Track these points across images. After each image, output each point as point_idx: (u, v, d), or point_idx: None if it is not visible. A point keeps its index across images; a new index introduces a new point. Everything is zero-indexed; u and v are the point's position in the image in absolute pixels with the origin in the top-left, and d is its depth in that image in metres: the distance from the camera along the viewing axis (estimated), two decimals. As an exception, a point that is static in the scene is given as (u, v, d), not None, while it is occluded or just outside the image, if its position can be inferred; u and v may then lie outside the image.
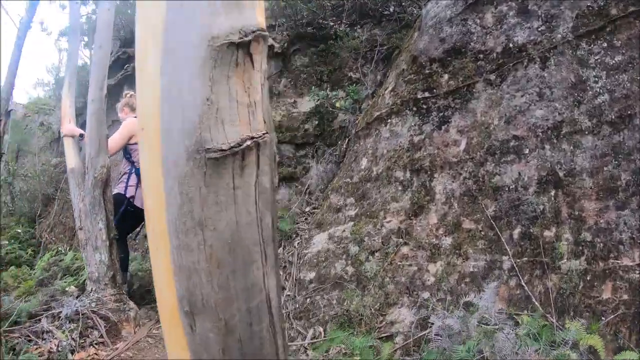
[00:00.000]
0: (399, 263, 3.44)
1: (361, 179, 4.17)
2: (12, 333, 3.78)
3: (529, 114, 3.38)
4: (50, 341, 3.82)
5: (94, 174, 4.15)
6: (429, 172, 3.70)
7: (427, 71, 4.08)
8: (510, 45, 3.68)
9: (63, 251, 7.67)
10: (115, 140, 4.40)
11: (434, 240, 3.40)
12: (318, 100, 5.66)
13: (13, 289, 6.21)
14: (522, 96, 3.47)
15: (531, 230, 3.05)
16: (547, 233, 3.00)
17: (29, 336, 3.75)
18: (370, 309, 3.29)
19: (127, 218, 4.52)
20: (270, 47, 6.35)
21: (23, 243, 9.15)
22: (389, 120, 4.23)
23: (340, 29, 5.95)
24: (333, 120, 5.75)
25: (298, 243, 4.28)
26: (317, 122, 5.83)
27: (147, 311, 4.73)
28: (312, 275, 3.86)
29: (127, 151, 4.55)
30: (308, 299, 3.70)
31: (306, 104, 6.04)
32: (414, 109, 4.05)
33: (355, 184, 4.18)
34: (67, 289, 4.65)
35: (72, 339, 3.83)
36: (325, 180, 5.04)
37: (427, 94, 4.01)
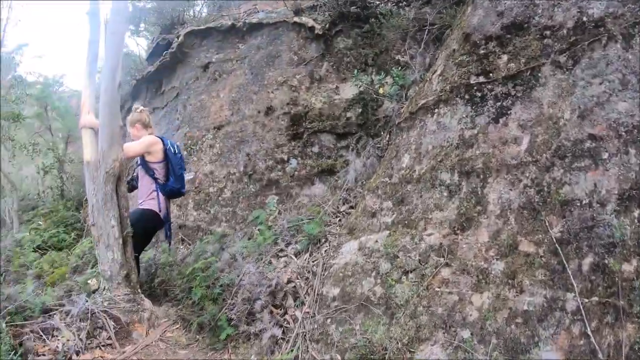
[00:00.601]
0: (437, 289, 2.89)
1: (401, 179, 3.64)
2: (23, 328, 3.70)
3: (609, 107, 2.71)
4: (58, 339, 3.71)
5: (105, 168, 3.95)
6: (481, 176, 3.09)
7: (482, 51, 3.43)
8: (585, 19, 3.01)
9: None
10: (134, 147, 4.26)
11: (483, 263, 2.81)
12: (361, 86, 5.13)
13: (48, 274, 6.35)
14: (600, 84, 2.80)
15: (606, 262, 2.40)
16: (626, 267, 2.35)
17: (39, 333, 3.66)
18: (397, 343, 2.78)
19: (153, 232, 4.62)
20: (311, 28, 5.87)
21: (68, 227, 9.49)
22: (436, 110, 3.63)
23: (386, 7, 5.34)
24: (377, 109, 5.20)
25: (326, 250, 3.87)
26: (360, 110, 5.30)
27: (167, 309, 4.52)
28: (335, 291, 3.40)
29: (150, 169, 4.40)
30: (328, 320, 3.25)
31: (349, 90, 5.53)
32: (466, 96, 3.42)
33: (394, 185, 3.66)
34: (89, 281, 4.54)
35: (80, 339, 3.71)
36: (365, 176, 4.57)
37: (481, 79, 3.37)
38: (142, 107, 4.64)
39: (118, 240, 4.05)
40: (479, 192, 3.05)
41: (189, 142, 6.32)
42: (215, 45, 6.79)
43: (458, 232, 3.03)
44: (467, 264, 2.86)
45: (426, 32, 5.05)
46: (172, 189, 4.40)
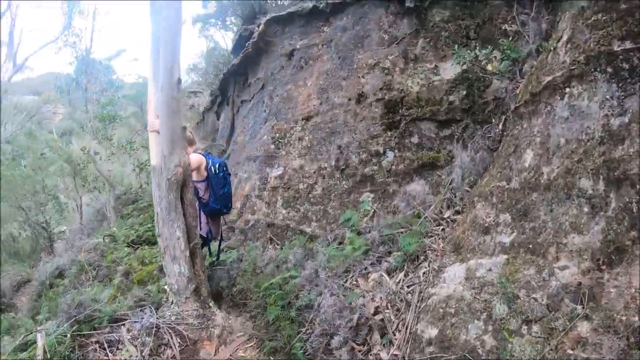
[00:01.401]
0: (569, 351, 2.28)
1: (523, 184, 3.03)
2: (89, 338, 3.73)
3: None
4: (122, 354, 3.66)
5: (167, 175, 3.85)
6: (638, 186, 2.39)
7: (625, 5, 2.73)
8: None
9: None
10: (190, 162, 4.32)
11: (637, 319, 2.14)
12: (464, 63, 4.56)
13: (136, 271, 6.62)
14: None
15: None
16: None
17: (104, 345, 3.67)
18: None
19: None
20: (400, 1, 5.36)
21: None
22: (568, 90, 3.02)
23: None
24: (485, 89, 4.60)
25: (424, 273, 3.32)
26: (464, 92, 4.74)
27: (245, 321, 4.37)
28: (433, 332, 2.91)
29: (195, 188, 4.42)
30: (422, 368, 2.80)
31: (450, 70, 4.97)
32: (608, 69, 2.76)
33: (514, 192, 3.07)
34: (165, 286, 4.53)
35: (142, 355, 3.65)
36: (474, 172, 3.98)
37: (629, 44, 2.68)
38: (185, 125, 4.67)
39: (185, 253, 3.95)
40: (635, 210, 2.33)
41: (277, 135, 6.18)
42: (298, 31, 6.55)
43: (604, 268, 2.35)
44: (615, 319, 2.20)
45: (537, -8, 4.35)
46: (213, 208, 4.49)
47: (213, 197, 4.49)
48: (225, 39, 11.78)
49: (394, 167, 4.95)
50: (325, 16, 6.22)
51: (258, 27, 7.02)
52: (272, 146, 6.20)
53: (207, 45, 13.22)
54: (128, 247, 8.76)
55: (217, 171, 4.51)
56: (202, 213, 4.49)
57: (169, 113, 3.85)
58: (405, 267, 3.49)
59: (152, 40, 4.04)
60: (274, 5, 7.91)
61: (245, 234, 6.24)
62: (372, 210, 4.77)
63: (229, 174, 4.75)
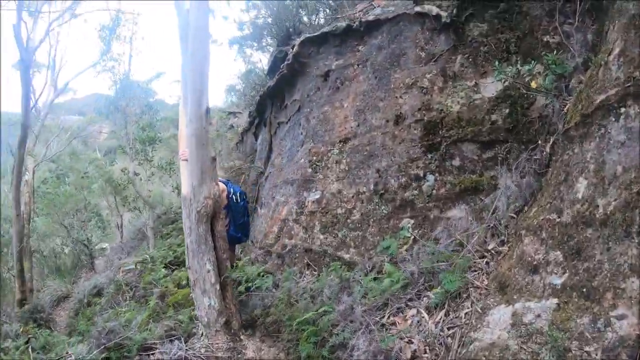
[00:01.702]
0: None
1: (576, 218, 2.79)
2: None
3: None
4: None
5: (197, 206, 3.84)
6: None
7: None
8: None
9: (235, 252, 8.07)
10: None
11: None
12: (506, 80, 4.37)
13: (172, 294, 6.66)
14: None
15: None
16: None
17: None
18: None
19: None
20: (436, 17, 5.22)
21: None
22: (623, 110, 2.80)
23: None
24: (529, 107, 4.39)
25: (467, 313, 3.10)
26: (507, 111, 4.54)
27: (278, 352, 4.27)
28: None
29: None
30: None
31: (491, 87, 4.78)
32: (670, 90, 2.54)
33: (566, 227, 2.83)
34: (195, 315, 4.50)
35: None
36: (520, 199, 3.75)
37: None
38: (213, 154, 4.84)
39: (215, 286, 3.93)
40: None
41: (314, 158, 6.13)
42: (333, 51, 6.51)
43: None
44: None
45: (578, 1, 4.11)
46: (232, 237, 4.57)
47: (233, 226, 4.61)
48: (262, 60, 11.96)
49: (434, 191, 4.78)
50: (360, 35, 6.15)
51: (292, 48, 7.04)
52: (310, 170, 6.15)
53: (244, 66, 13.50)
54: (165, 268, 8.92)
55: (238, 200, 4.65)
56: None
57: (198, 144, 3.88)
58: (447, 306, 3.29)
59: (182, 72, 4.08)
60: (308, 25, 7.94)
61: (282, 259, 6.19)
62: (412, 238, 4.61)
63: (248, 202, 4.79)
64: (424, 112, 5.14)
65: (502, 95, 4.62)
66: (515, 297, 2.85)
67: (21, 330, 7.91)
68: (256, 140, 10.29)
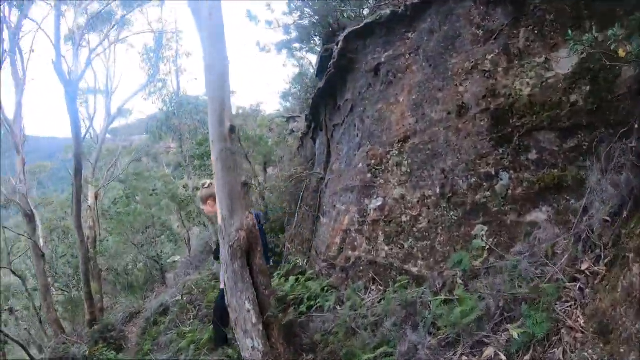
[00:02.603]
0: None
1: None
2: None
3: None
4: None
5: (229, 241, 3.63)
6: None
7: None
8: None
9: (300, 264, 7.96)
10: None
11: None
12: (582, 51, 3.77)
13: None
14: None
15: None
16: None
17: None
18: None
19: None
20: (494, -11, 4.70)
21: (269, 252, 9.96)
22: None
23: None
24: (615, 81, 3.77)
25: None
26: (588, 89, 3.94)
27: None
28: None
29: None
30: None
31: (565, 62, 4.17)
32: None
33: None
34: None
35: None
36: (616, 199, 3.09)
37: None
38: (209, 182, 4.64)
39: (257, 326, 3.66)
40: None
41: (372, 161, 5.81)
42: (380, 42, 6.14)
43: None
44: None
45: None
46: None
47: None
48: (313, 62, 11.82)
49: (510, 192, 4.28)
50: (408, 21, 5.73)
51: (337, 45, 6.75)
52: (369, 175, 5.84)
53: (295, 70, 13.51)
54: None
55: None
56: None
57: (225, 168, 3.68)
58: (532, 350, 2.75)
59: (206, 91, 3.92)
60: (352, 19, 7.61)
61: (346, 273, 5.95)
62: (487, 248, 4.16)
63: (262, 225, 4.68)
64: (489, 99, 4.65)
65: (580, 70, 4.02)
66: (622, 349, 2.27)
67: (88, 351, 8.32)
68: (315, 144, 10.12)
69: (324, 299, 5.62)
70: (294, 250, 9.27)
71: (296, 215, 9.45)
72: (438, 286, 4.17)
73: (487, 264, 3.95)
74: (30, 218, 11.36)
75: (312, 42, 10.29)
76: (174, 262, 18.15)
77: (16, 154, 11.49)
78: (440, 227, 4.80)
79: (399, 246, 5.18)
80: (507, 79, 4.61)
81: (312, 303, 5.71)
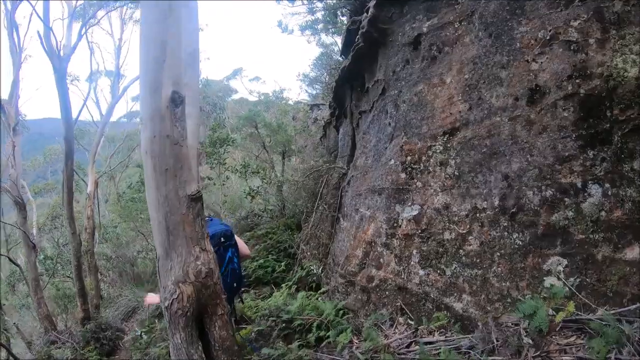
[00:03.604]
0: None
1: None
2: None
3: None
4: None
5: (164, 300, 2.49)
6: None
7: None
8: None
9: (314, 271, 7.10)
10: None
11: None
12: None
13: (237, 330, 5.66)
14: None
15: None
16: None
17: None
18: None
19: None
20: None
21: (281, 253, 9.17)
22: None
23: None
24: None
25: None
26: None
27: None
28: None
29: None
30: None
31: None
32: None
33: None
34: None
35: None
36: None
37: None
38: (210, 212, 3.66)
39: None
40: None
41: (408, 158, 4.67)
42: (421, 8, 4.94)
43: None
44: None
45: None
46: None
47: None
48: (338, 43, 10.83)
49: (603, 213, 3.09)
50: (461, -22, 4.54)
51: (367, 12, 5.58)
52: (403, 174, 4.71)
53: (319, 51, 12.56)
54: None
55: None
56: None
57: (158, 169, 2.53)
58: None
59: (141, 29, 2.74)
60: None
61: (367, 295, 4.88)
62: (564, 290, 3.00)
63: (233, 246, 3.85)
64: (577, 80, 3.44)
65: None
66: None
67: (70, 356, 7.49)
68: (338, 133, 9.01)
69: (337, 330, 4.57)
70: (308, 253, 8.31)
71: (313, 214, 8.41)
72: (495, 341, 3.02)
73: (570, 317, 2.79)
74: (21, 206, 10.65)
75: (338, 22, 9.25)
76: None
77: (8, 136, 10.71)
78: (498, 253, 3.64)
79: (439, 272, 4.05)
80: (602, 54, 3.40)
81: (323, 333, 4.66)
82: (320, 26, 10.97)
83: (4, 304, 12.01)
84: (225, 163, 11.53)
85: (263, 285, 8.16)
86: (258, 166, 11.64)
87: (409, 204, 4.54)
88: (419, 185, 4.47)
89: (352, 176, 6.35)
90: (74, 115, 10.16)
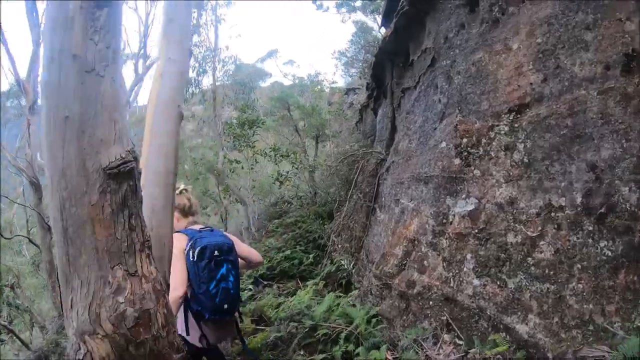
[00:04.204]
0: None
1: None
2: None
3: None
4: None
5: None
6: None
7: None
8: None
9: (345, 266, 6.48)
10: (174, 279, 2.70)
11: None
12: None
13: (250, 336, 5.20)
14: None
15: None
16: None
17: None
18: None
19: None
20: None
21: (310, 244, 8.62)
22: None
23: None
24: None
25: None
26: None
27: None
28: None
29: None
30: None
31: None
32: None
33: None
34: None
35: None
36: None
37: None
38: (182, 186, 3.47)
39: None
40: None
41: (464, 140, 3.91)
42: (480, -41, 4.15)
43: None
44: None
45: None
46: (196, 311, 3.14)
47: (192, 294, 3.09)
48: (378, 20, 10.25)
49: None
50: None
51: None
52: (457, 160, 3.95)
53: (355, 29, 12.02)
54: (253, 283, 7.50)
55: (194, 257, 3.07)
56: (188, 311, 3.14)
57: (50, 131, 1.56)
58: None
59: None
60: None
61: (406, 302, 4.20)
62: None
63: (229, 262, 3.22)
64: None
65: None
66: None
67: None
68: (375, 116, 8.27)
69: (369, 344, 3.92)
70: (339, 246, 7.68)
71: (347, 203, 7.74)
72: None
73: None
74: (36, 187, 10.44)
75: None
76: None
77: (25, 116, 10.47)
78: (579, 266, 2.87)
79: (499, 283, 3.31)
80: None
81: (352, 347, 4.03)
82: (357, 3, 10.32)
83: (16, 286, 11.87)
84: (255, 146, 11.01)
85: (288, 279, 7.60)
86: (288, 149, 11.08)
87: (464, 196, 3.79)
88: (477, 174, 3.71)
89: (392, 162, 5.63)
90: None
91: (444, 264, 3.82)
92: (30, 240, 11.70)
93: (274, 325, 5.17)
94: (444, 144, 4.13)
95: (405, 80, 5.92)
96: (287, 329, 4.71)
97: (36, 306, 12.79)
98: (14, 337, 8.05)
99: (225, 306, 3.13)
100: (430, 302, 3.88)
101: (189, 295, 3.09)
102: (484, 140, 3.75)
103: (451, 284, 3.70)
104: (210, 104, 12.13)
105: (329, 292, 6.24)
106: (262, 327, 5.48)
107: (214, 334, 3.22)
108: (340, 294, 5.76)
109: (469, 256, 3.60)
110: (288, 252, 8.25)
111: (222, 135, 11.29)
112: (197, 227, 3.33)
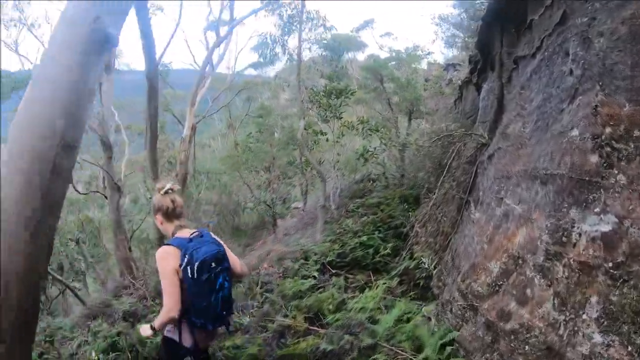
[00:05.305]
0: None
1: None
2: None
3: None
4: None
5: None
6: None
7: None
8: None
9: (425, 265, 5.69)
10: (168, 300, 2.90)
11: None
12: None
13: (295, 332, 4.68)
14: None
15: None
16: None
17: None
18: None
19: None
20: None
21: (390, 231, 7.82)
22: None
23: None
24: None
25: None
26: None
27: None
28: None
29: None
30: None
31: None
32: None
33: None
34: None
35: None
36: None
37: None
38: (168, 186, 3.21)
39: None
40: None
41: (607, 130, 2.72)
42: None
43: None
44: None
45: None
46: (194, 322, 3.09)
47: (192, 308, 3.03)
48: None
49: None
50: None
51: None
52: (594, 157, 2.78)
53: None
54: (319, 271, 6.88)
55: (194, 274, 2.93)
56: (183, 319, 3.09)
57: None
58: None
59: None
60: None
61: (493, 336, 3.27)
62: None
63: (225, 270, 3.12)
64: None
65: None
66: None
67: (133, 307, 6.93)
68: (478, 94, 7.07)
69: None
70: (422, 239, 6.77)
71: (437, 191, 6.74)
72: None
73: None
74: (106, 146, 10.53)
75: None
76: (296, 208, 17.23)
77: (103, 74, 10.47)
78: None
79: (631, 348, 2.24)
80: None
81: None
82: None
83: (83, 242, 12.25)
84: (342, 117, 10.26)
85: (360, 270, 6.83)
86: (377, 123, 10.21)
87: (597, 209, 2.66)
88: (622, 181, 2.56)
89: (498, 149, 4.52)
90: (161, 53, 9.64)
91: (556, 301, 2.76)
92: (104, 196, 11.99)
93: (328, 330, 4.45)
94: (575, 132, 2.97)
95: (519, 48, 4.73)
96: (341, 342, 3.93)
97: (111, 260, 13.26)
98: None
99: (224, 312, 3.15)
100: (526, 348, 2.88)
101: (190, 307, 3.03)
102: (636, 132, 2.58)
103: (560, 332, 2.65)
104: (295, 68, 11.69)
105: (402, 294, 5.46)
106: (316, 329, 4.75)
107: (206, 339, 3.28)
108: (415, 298, 5.06)
109: (593, 299, 2.51)
110: (365, 237, 7.51)
111: (304, 102, 10.64)
112: (185, 233, 3.15)
